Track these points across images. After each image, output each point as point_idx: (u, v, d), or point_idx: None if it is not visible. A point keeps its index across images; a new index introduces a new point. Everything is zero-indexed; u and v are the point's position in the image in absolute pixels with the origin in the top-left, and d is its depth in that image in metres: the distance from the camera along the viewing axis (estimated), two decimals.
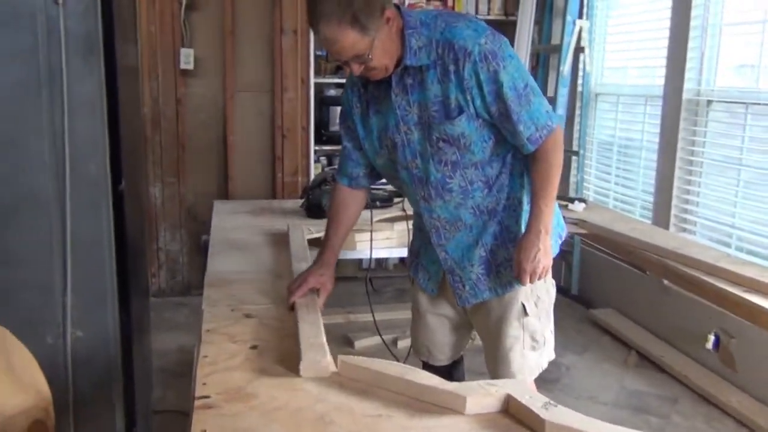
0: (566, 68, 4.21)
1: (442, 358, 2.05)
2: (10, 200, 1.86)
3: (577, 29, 4.22)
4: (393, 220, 2.96)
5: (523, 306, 1.83)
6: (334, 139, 4.37)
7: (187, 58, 4.25)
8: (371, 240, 2.62)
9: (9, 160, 1.84)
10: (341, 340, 3.69)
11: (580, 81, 4.48)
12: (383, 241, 2.87)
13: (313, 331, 1.56)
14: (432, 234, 1.86)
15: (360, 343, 3.64)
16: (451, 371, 2.05)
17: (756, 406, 3.00)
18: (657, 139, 3.81)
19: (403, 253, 2.79)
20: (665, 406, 3.10)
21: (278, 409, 1.26)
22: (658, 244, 2.70)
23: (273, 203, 3.63)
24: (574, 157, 4.55)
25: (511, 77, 1.66)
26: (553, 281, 1.92)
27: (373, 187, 2.10)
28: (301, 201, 3.18)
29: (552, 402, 1.24)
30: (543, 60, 4.74)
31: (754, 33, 3.27)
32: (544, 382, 2.63)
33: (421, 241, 1.98)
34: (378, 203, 3.08)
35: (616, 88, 4.37)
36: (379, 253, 3.08)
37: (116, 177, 1.95)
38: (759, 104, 3.20)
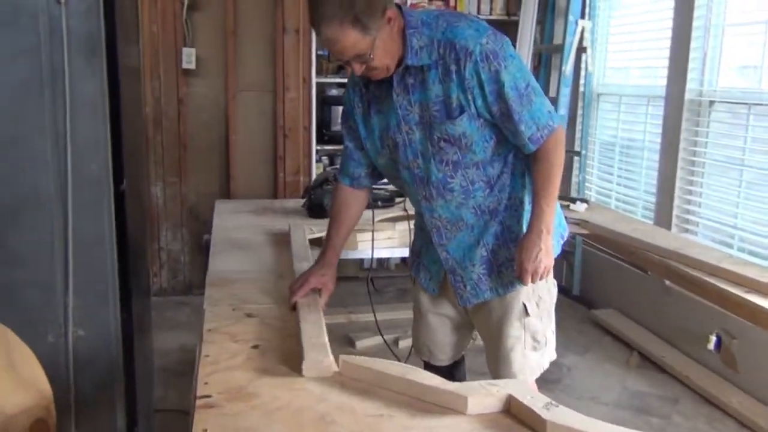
0: (568, 68, 4.21)
1: (444, 358, 2.05)
2: (12, 200, 1.86)
3: (579, 29, 4.21)
4: (394, 219, 2.96)
5: (525, 306, 1.83)
6: (335, 139, 4.37)
7: (189, 58, 4.25)
8: (373, 240, 2.62)
9: (11, 159, 1.84)
10: (343, 340, 3.69)
11: (582, 81, 4.48)
12: (385, 240, 2.87)
13: (315, 331, 1.56)
14: (433, 234, 1.86)
15: (361, 343, 3.64)
16: (452, 371, 2.05)
17: (757, 406, 2.99)
18: (659, 140, 3.81)
19: (405, 253, 2.79)
20: (667, 407, 3.10)
21: (280, 409, 1.26)
22: (659, 245, 2.70)
23: (275, 203, 3.63)
24: (576, 158, 4.54)
25: (512, 77, 1.66)
26: (555, 281, 1.92)
27: (374, 186, 2.10)
28: (302, 201, 3.18)
29: (553, 402, 1.24)
30: (545, 60, 4.74)
31: (757, 33, 3.27)
32: (545, 382, 2.63)
33: (422, 241, 1.98)
34: (379, 203, 3.08)
35: (618, 89, 4.37)
36: (381, 253, 3.08)
37: (118, 176, 1.95)
38: (761, 105, 3.20)
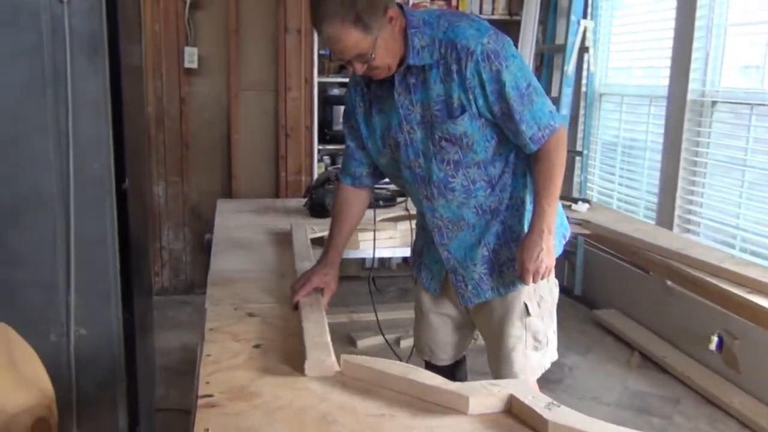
0: (570, 68, 4.21)
1: (445, 358, 2.05)
2: (14, 199, 1.86)
3: (581, 29, 4.21)
4: (396, 219, 2.96)
5: (526, 306, 1.83)
6: (337, 139, 4.37)
7: (191, 57, 4.26)
8: (374, 239, 2.62)
9: (13, 158, 1.85)
10: (344, 340, 3.69)
11: (584, 81, 4.48)
12: (386, 240, 2.87)
13: (317, 331, 1.56)
14: (435, 233, 1.86)
15: (363, 343, 3.65)
16: (453, 371, 2.05)
17: (759, 407, 2.99)
18: (661, 140, 3.80)
19: (407, 252, 2.78)
20: (668, 407, 3.10)
21: (281, 408, 1.26)
22: (661, 245, 2.70)
23: (276, 202, 3.63)
24: (577, 158, 4.54)
25: (513, 77, 1.66)
26: (557, 281, 1.91)
27: (376, 186, 2.10)
28: (304, 200, 3.19)
29: (555, 402, 1.24)
30: (547, 60, 4.73)
31: (760, 34, 3.26)
32: (547, 382, 2.64)
33: (424, 241, 1.98)
34: (381, 203, 3.08)
35: (620, 89, 4.37)
36: (382, 253, 3.08)
37: (120, 176, 1.95)
38: (764, 105, 3.19)
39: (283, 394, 1.31)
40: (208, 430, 1.18)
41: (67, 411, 1.93)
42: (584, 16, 4.27)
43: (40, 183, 1.87)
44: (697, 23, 3.51)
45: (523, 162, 1.80)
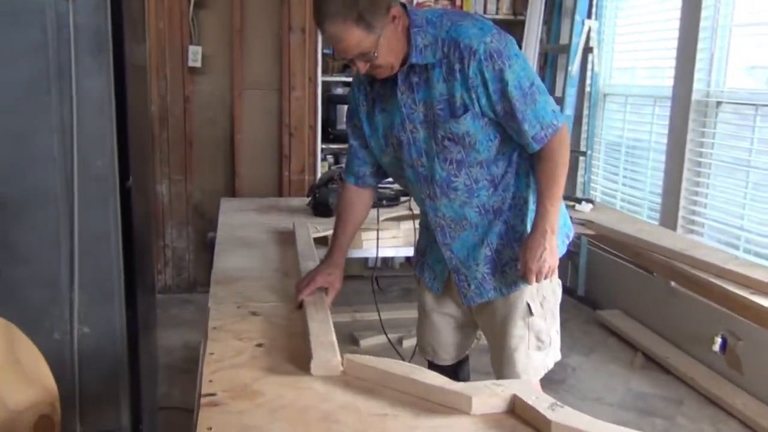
0: (575, 68, 4.20)
1: (447, 358, 2.05)
2: (18, 196, 1.87)
3: (585, 29, 4.20)
4: (399, 219, 2.96)
5: (529, 306, 1.83)
6: (341, 138, 4.37)
7: (195, 56, 4.26)
8: (377, 239, 2.62)
9: (17, 156, 1.85)
10: (347, 339, 3.69)
11: (588, 81, 4.47)
12: (390, 240, 2.87)
13: (322, 330, 1.56)
14: (437, 233, 1.86)
15: (365, 342, 3.65)
16: (456, 371, 2.04)
17: (762, 408, 2.98)
18: (665, 140, 3.80)
19: (410, 252, 2.79)
20: (671, 408, 3.09)
21: (284, 407, 1.26)
22: (665, 246, 2.69)
23: (280, 201, 3.64)
24: (581, 158, 4.53)
25: (516, 76, 1.66)
26: (560, 281, 1.91)
27: (379, 186, 2.10)
28: (307, 199, 3.19)
29: (558, 403, 1.24)
30: (551, 60, 4.73)
31: (765, 34, 3.26)
32: (550, 382, 2.63)
33: (427, 240, 1.98)
34: (384, 202, 3.08)
35: (624, 89, 4.36)
36: (386, 252, 3.08)
37: (124, 174, 1.95)
38: None
39: (286, 393, 1.31)
40: (210, 428, 1.18)
41: (70, 408, 1.93)
42: (589, 16, 4.26)
43: (44, 180, 1.87)
44: (702, 23, 3.50)
45: (526, 161, 1.80)
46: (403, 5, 1.68)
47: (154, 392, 2.65)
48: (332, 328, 1.58)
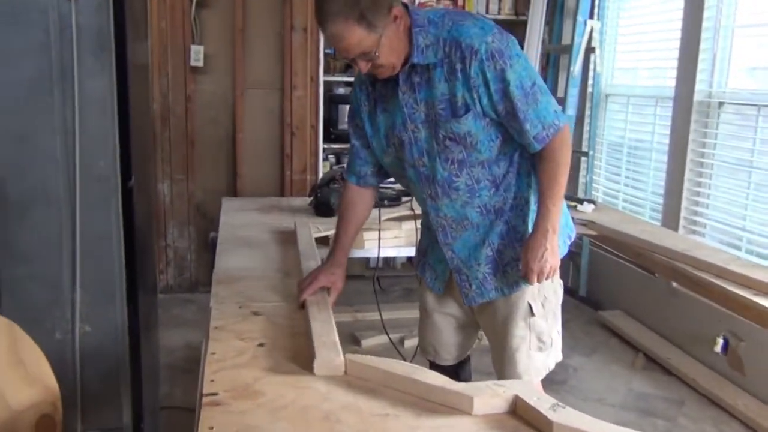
0: (577, 69, 4.20)
1: (449, 358, 2.05)
2: (21, 196, 1.87)
3: (588, 29, 4.20)
4: (401, 219, 2.96)
5: (530, 306, 1.83)
6: (342, 138, 4.38)
7: (197, 55, 4.26)
8: (379, 239, 2.62)
9: (20, 156, 1.85)
10: (348, 339, 3.69)
11: (590, 81, 4.47)
12: (391, 240, 2.87)
13: (325, 330, 1.56)
14: (438, 233, 1.86)
15: (367, 342, 3.65)
16: (457, 371, 2.04)
17: (763, 409, 2.98)
18: (667, 141, 3.79)
19: (411, 252, 2.79)
20: (672, 409, 3.09)
21: (285, 407, 1.26)
22: (667, 246, 2.69)
23: (281, 201, 3.64)
24: (583, 158, 4.53)
25: (518, 76, 1.66)
26: (561, 282, 1.91)
27: (381, 185, 2.10)
28: (309, 199, 3.19)
29: (560, 403, 1.24)
30: (553, 60, 4.73)
31: (767, 35, 3.25)
32: (551, 383, 2.63)
33: (428, 240, 1.98)
34: (386, 202, 3.08)
35: (626, 89, 4.35)
36: (387, 252, 3.08)
37: (126, 173, 1.95)
38: None
39: (288, 393, 1.31)
40: (212, 428, 1.18)
41: (72, 408, 1.93)
42: (591, 17, 4.26)
43: (47, 180, 1.87)
44: (705, 24, 3.50)
45: (527, 161, 1.80)
46: (405, 5, 1.68)
47: (156, 392, 2.66)
48: (335, 328, 1.58)
